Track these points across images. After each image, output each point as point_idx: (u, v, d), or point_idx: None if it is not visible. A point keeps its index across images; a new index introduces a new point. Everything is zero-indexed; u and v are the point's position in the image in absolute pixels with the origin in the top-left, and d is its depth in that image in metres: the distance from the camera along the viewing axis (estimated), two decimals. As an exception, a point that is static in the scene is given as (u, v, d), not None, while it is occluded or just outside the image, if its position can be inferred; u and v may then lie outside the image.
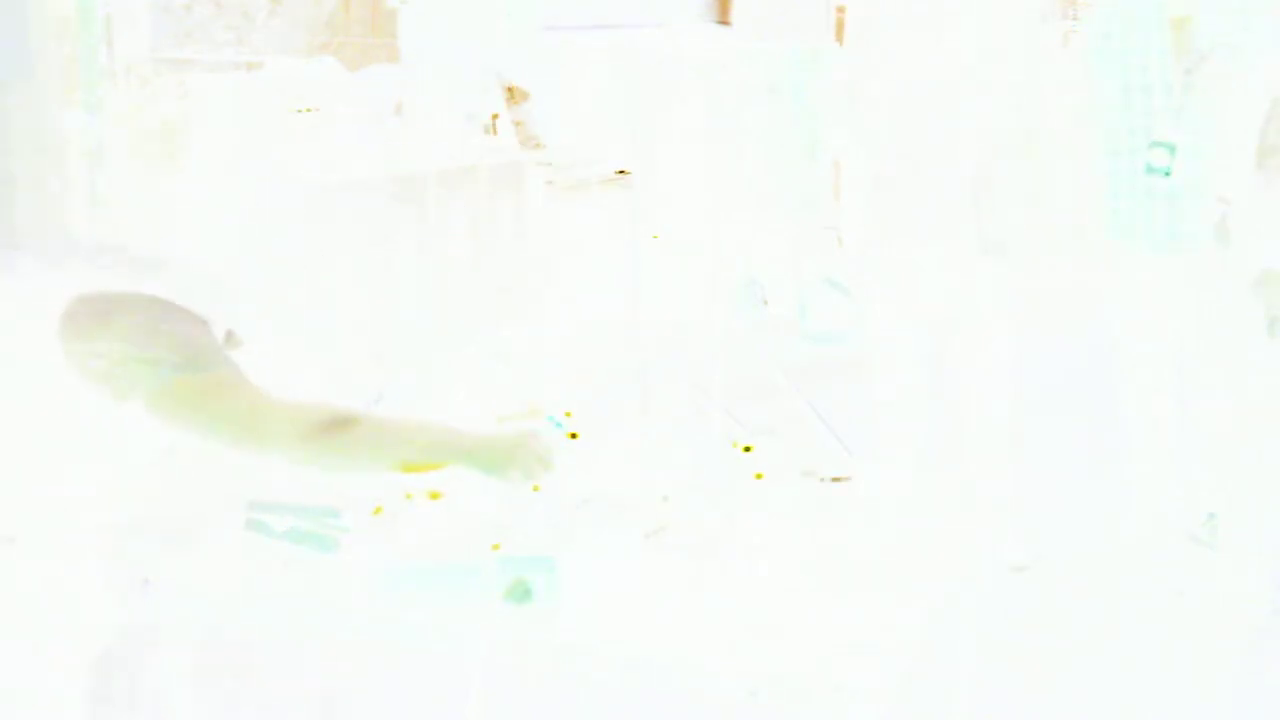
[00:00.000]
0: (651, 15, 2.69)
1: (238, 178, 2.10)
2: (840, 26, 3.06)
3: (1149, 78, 3.15)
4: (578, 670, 1.88)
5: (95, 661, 1.94)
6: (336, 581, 2.01)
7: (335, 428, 1.82)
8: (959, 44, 3.31)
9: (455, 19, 2.47)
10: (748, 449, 2.40)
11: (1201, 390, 3.23)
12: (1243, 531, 3.09)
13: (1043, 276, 3.38)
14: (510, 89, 2.40)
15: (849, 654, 1.83)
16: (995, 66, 3.31)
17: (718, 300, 2.68)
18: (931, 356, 3.41)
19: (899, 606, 1.94)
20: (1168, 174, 3.10)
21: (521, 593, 1.93)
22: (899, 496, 2.34)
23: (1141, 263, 3.25)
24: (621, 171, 2.61)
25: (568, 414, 2.43)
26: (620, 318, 2.56)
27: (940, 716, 2.33)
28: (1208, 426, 3.22)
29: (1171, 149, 3.09)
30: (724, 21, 2.85)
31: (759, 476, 2.30)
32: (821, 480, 2.25)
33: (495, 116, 2.51)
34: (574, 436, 2.40)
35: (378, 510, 2.17)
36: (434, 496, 2.20)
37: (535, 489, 2.03)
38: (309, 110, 2.34)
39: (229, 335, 1.92)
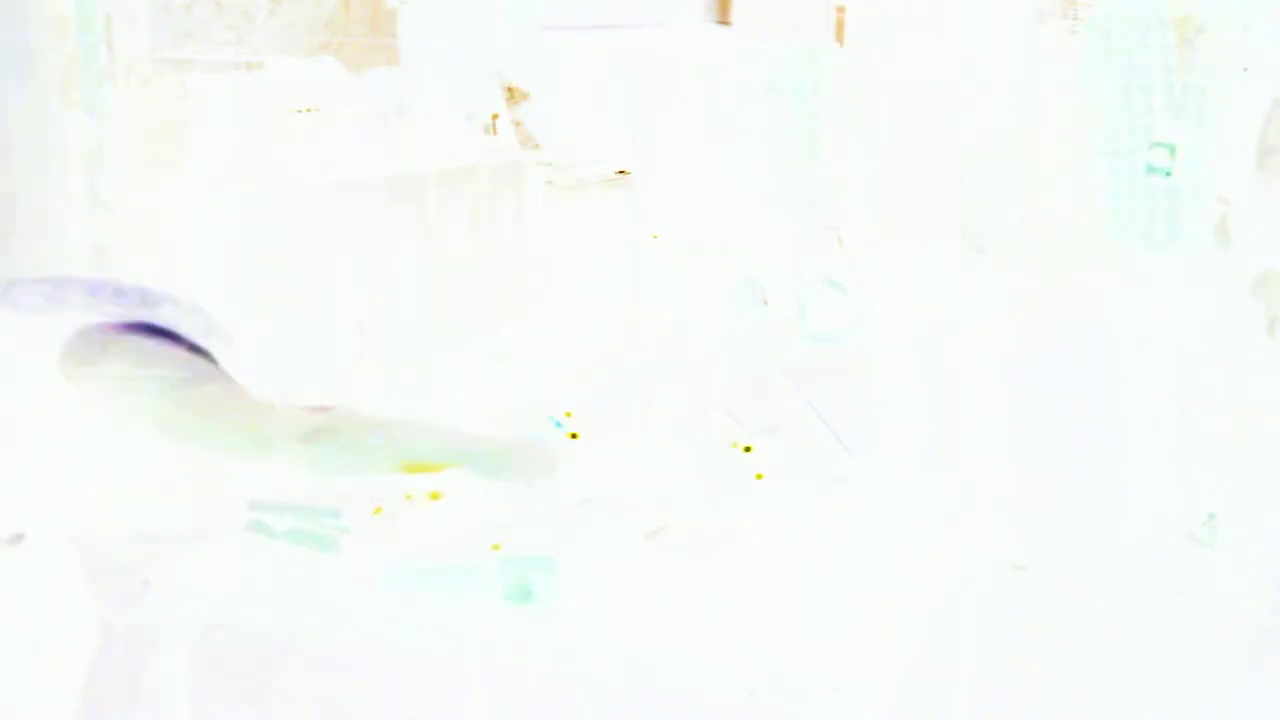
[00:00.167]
0: (651, 15, 2.68)
1: (238, 178, 2.10)
2: (840, 26, 3.05)
3: (1149, 78, 3.15)
4: (578, 670, 1.88)
5: (95, 661, 1.94)
6: (336, 581, 2.01)
7: (334, 431, 1.82)
8: (959, 44, 3.31)
9: (455, 19, 2.47)
10: (748, 449, 2.40)
11: (1201, 390, 3.23)
12: (1243, 531, 3.09)
13: (1042, 276, 3.38)
14: (510, 89, 2.40)
15: (849, 654, 1.83)
16: (995, 66, 3.31)
17: (718, 300, 2.67)
18: (932, 356, 3.41)
19: (899, 606, 1.94)
20: (1168, 174, 3.10)
21: (522, 593, 1.93)
22: (899, 496, 2.34)
23: (1141, 263, 3.25)
24: (621, 171, 2.60)
25: (568, 414, 2.43)
26: (620, 318, 2.56)
27: (940, 716, 2.33)
28: (1208, 426, 3.22)
29: (1172, 149, 3.10)
30: (724, 21, 2.84)
31: (759, 476, 2.30)
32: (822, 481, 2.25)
33: (495, 116, 2.50)
34: (574, 437, 2.40)
35: (378, 510, 2.17)
36: (434, 496, 2.20)
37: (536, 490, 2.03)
38: (309, 110, 2.34)
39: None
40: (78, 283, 2.03)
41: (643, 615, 1.91)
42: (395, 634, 1.96)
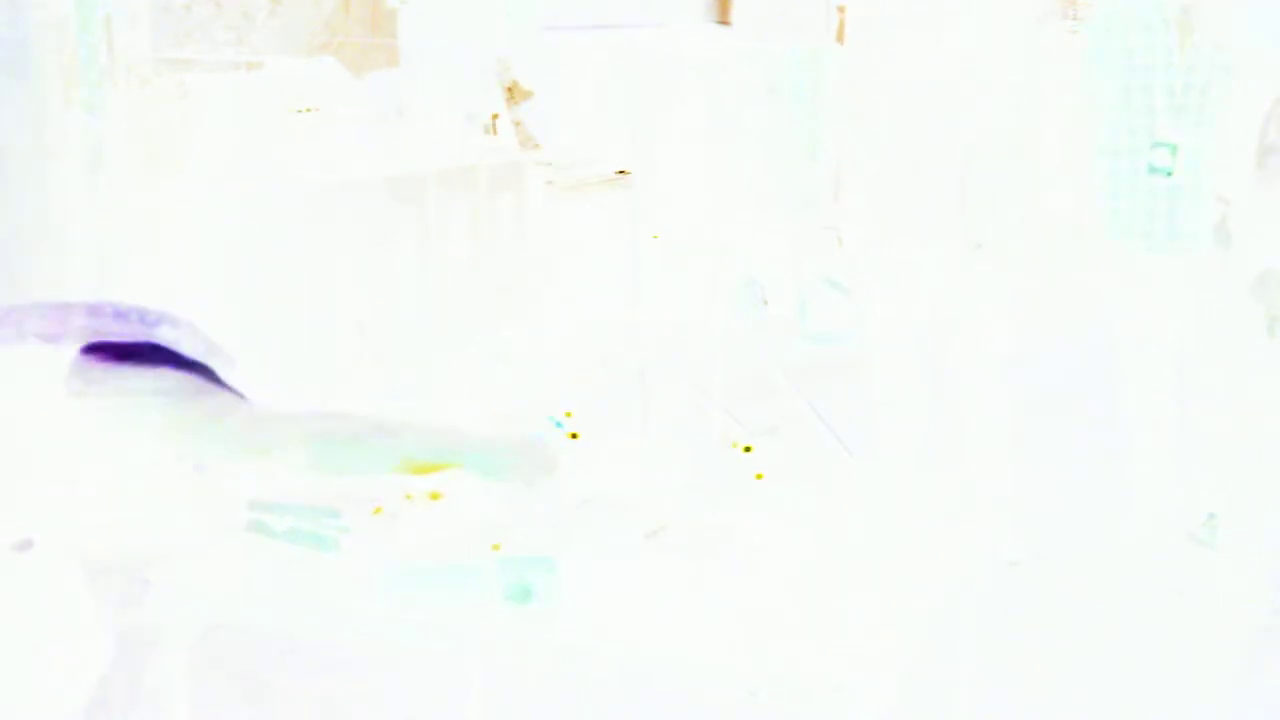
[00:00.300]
0: (651, 15, 2.68)
1: (238, 178, 2.11)
2: (840, 26, 3.05)
3: (1149, 78, 3.16)
4: (578, 670, 1.88)
5: (95, 662, 1.94)
6: (336, 581, 2.01)
7: (334, 431, 1.83)
8: (959, 44, 3.31)
9: (455, 19, 2.47)
10: (748, 449, 2.40)
11: (1201, 390, 3.23)
12: (1243, 531, 3.09)
13: (1042, 276, 3.38)
14: (510, 89, 2.40)
15: (849, 654, 1.83)
16: (995, 66, 3.31)
17: (718, 300, 2.67)
18: (932, 356, 3.41)
19: (899, 606, 1.94)
20: (1169, 174, 3.10)
21: (521, 593, 1.93)
22: (899, 496, 2.34)
23: (1141, 263, 3.25)
24: (621, 171, 2.60)
25: (568, 414, 2.43)
26: (620, 318, 2.56)
27: (940, 716, 2.33)
28: (1208, 426, 3.22)
29: (1173, 149, 3.10)
30: (724, 21, 2.84)
31: (759, 476, 2.30)
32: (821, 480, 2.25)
33: (495, 116, 2.50)
34: (574, 437, 2.40)
35: (378, 510, 2.17)
36: (434, 497, 2.20)
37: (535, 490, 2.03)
38: (309, 110, 2.34)
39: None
40: (78, 306, 2.04)
41: (643, 615, 1.91)
42: (395, 634, 1.96)
